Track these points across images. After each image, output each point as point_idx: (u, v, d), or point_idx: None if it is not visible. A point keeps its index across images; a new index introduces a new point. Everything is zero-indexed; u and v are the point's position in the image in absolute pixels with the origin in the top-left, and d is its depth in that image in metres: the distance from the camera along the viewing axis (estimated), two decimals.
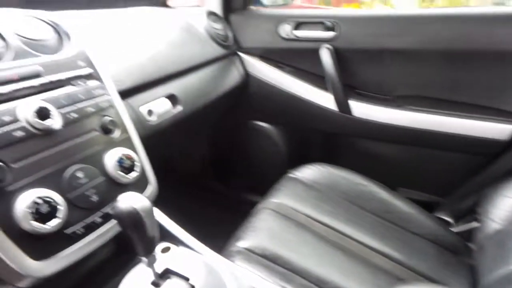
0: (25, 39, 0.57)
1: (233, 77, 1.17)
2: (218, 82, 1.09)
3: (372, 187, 1.01)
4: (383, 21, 1.09)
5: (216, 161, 1.43)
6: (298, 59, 1.20)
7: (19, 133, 0.48)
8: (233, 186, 1.42)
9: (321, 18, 1.12)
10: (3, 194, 0.45)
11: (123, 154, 0.59)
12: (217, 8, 1.23)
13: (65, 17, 0.66)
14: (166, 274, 0.55)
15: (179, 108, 0.87)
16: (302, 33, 1.15)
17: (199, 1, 1.38)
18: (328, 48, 1.10)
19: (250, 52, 1.24)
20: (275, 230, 0.84)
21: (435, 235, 0.91)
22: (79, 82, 0.59)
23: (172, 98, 0.86)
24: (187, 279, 0.55)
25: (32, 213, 0.45)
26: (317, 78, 1.18)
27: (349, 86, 1.15)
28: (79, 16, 0.84)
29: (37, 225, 0.45)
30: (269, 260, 0.75)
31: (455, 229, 0.99)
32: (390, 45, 1.07)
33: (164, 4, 1.27)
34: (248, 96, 1.25)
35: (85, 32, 0.67)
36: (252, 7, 1.28)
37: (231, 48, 1.19)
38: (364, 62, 1.13)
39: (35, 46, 0.57)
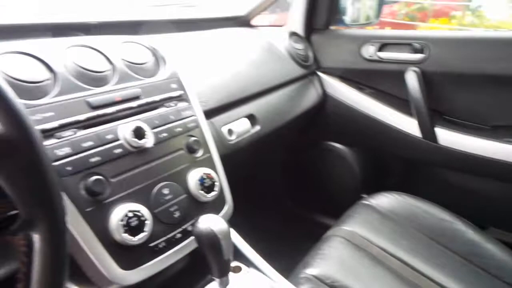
0: (128, 63, 0.63)
1: (311, 96, 1.17)
2: (296, 102, 1.10)
3: (458, 224, 0.92)
4: (481, 44, 1.00)
5: (289, 180, 1.42)
6: (381, 81, 1.16)
7: (118, 151, 0.53)
8: (304, 206, 1.40)
9: (409, 39, 1.07)
10: (102, 207, 0.49)
11: (205, 173, 0.62)
12: (299, 28, 1.24)
13: (160, 41, 0.72)
14: None
15: (257, 127, 0.89)
16: (387, 54, 1.10)
17: (282, 20, 1.40)
18: (415, 71, 1.05)
19: (329, 72, 1.22)
20: (346, 260, 0.81)
21: None
22: (171, 104, 0.64)
23: (251, 118, 0.89)
24: None
25: (124, 225, 0.49)
26: (400, 102, 1.12)
27: (436, 111, 1.08)
28: (169, 39, 0.91)
29: (127, 237, 0.49)
30: None
31: None
32: (488, 70, 0.98)
33: (248, 24, 1.31)
34: (325, 117, 1.23)
35: (175, 54, 0.72)
36: (334, 27, 1.27)
37: (310, 68, 1.19)
38: (455, 87, 1.05)
39: (136, 70, 0.63)
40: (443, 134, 1.05)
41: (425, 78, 1.05)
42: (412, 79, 1.05)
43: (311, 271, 0.77)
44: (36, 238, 0.27)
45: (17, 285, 0.27)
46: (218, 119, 0.78)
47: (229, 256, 0.51)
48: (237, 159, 0.83)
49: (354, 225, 0.91)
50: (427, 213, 0.96)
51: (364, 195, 1.04)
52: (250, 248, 0.68)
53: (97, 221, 0.49)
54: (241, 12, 1.26)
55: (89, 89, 0.55)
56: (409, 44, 1.07)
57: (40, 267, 0.27)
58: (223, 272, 0.52)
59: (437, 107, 1.07)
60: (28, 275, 0.26)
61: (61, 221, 0.28)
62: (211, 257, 0.50)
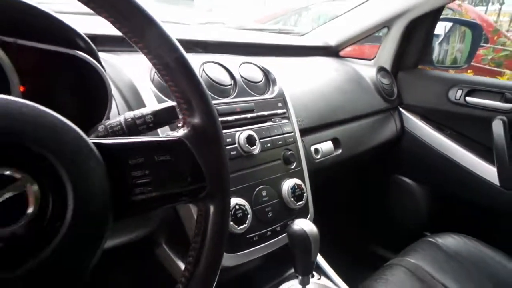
0: (245, 80, 0.73)
1: (390, 130, 1.20)
2: (376, 132, 1.14)
3: None
4: None
5: (356, 208, 1.44)
6: (463, 125, 1.15)
7: (233, 153, 0.62)
8: (367, 236, 1.41)
9: (501, 88, 1.06)
10: None
11: (296, 184, 0.69)
12: (387, 64, 1.28)
13: (266, 63, 0.81)
14: None
15: (339, 151, 0.95)
16: (475, 100, 1.10)
17: (368, 54, 1.45)
18: (502, 120, 1.04)
19: (411, 109, 1.24)
20: (416, 278, 0.83)
21: None
22: (276, 119, 0.72)
23: (335, 141, 0.95)
24: None
25: (231, 215, 0.58)
26: (481, 148, 1.11)
27: None
28: (272, 62, 1.00)
29: (233, 226, 0.58)
30: None
31: None
32: None
33: (337, 55, 1.38)
34: (400, 151, 1.25)
35: (280, 77, 0.81)
36: (422, 67, 1.29)
37: (393, 103, 1.22)
38: None
39: (251, 87, 0.73)
40: None
41: None
42: (498, 128, 1.04)
43: None
44: (211, 208, 0.36)
45: (192, 244, 0.36)
46: (308, 138, 0.86)
47: (315, 258, 0.57)
48: (318, 177, 0.89)
49: (418, 258, 0.92)
50: (493, 260, 0.93)
51: (427, 233, 1.04)
52: (322, 258, 0.74)
53: None
54: (331, 42, 1.33)
55: (217, 99, 0.65)
56: (500, 93, 1.06)
57: (212, 231, 0.35)
58: (307, 271, 0.58)
59: None
60: (203, 236, 0.35)
61: (228, 200, 0.37)
62: (299, 256, 0.57)
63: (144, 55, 0.34)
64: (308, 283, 0.60)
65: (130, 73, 0.58)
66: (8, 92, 0.42)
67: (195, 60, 0.68)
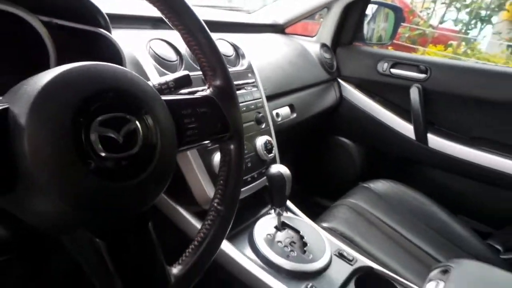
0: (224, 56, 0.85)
1: (331, 98, 1.40)
2: (320, 100, 1.33)
3: (435, 208, 1.17)
4: (474, 73, 1.24)
5: (305, 163, 1.65)
6: (389, 92, 1.40)
7: None
8: (309, 189, 1.63)
9: (417, 61, 1.31)
10: (209, 151, 0.72)
11: (267, 140, 0.85)
12: (328, 41, 1.47)
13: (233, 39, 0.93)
14: (284, 226, 0.80)
15: (294, 115, 1.12)
16: (397, 71, 1.35)
17: (310, 31, 1.63)
18: (418, 88, 1.29)
19: (348, 79, 1.46)
20: (351, 221, 1.04)
21: (485, 258, 1.05)
22: (247, 88, 0.86)
23: (291, 107, 1.11)
24: (298, 232, 0.79)
25: None
26: (401, 110, 1.37)
27: (430, 121, 1.32)
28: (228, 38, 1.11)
29: None
30: (347, 239, 0.95)
31: (503, 256, 1.11)
32: (476, 94, 1.22)
33: (283, 32, 1.53)
34: (340, 115, 1.47)
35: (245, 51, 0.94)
36: (357, 43, 1.51)
37: (333, 75, 1.42)
38: (447, 104, 1.30)
39: (227, 60, 0.85)
40: (432, 139, 1.29)
41: (425, 94, 1.30)
42: (414, 94, 1.29)
43: (325, 224, 1.00)
44: (232, 147, 0.49)
45: (220, 177, 0.49)
46: (270, 104, 1.01)
47: (288, 192, 0.74)
48: (278, 137, 1.06)
49: (356, 199, 1.14)
50: (413, 198, 1.20)
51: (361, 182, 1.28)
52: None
53: (206, 159, 0.71)
54: (279, 20, 1.48)
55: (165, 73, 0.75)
56: (417, 66, 1.31)
57: (234, 165, 0.49)
58: (283, 203, 0.75)
59: (431, 117, 1.32)
60: (228, 167, 0.49)
61: (243, 141, 0.51)
62: (276, 192, 0.73)
63: (181, 34, 0.46)
64: (282, 214, 0.77)
65: (131, 48, 0.67)
66: (48, 67, 0.50)
67: (143, 37, 0.72)
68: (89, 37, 0.54)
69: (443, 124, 1.32)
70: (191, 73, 0.51)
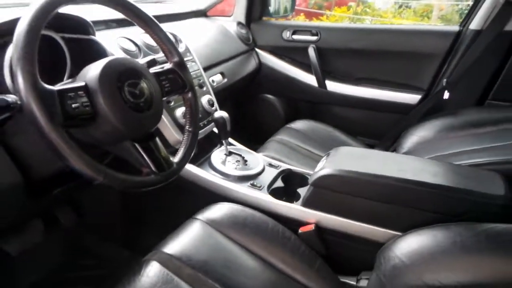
0: (148, 45, 1.15)
1: (252, 64, 1.79)
2: (243, 66, 1.70)
3: (339, 134, 1.62)
4: (349, 31, 1.70)
5: (238, 118, 2.02)
6: (294, 54, 1.81)
7: None
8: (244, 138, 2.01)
9: (309, 28, 1.73)
10: (173, 107, 1.06)
11: (209, 98, 1.21)
12: (242, 19, 1.83)
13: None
14: (230, 153, 1.17)
15: (225, 80, 1.49)
16: (297, 37, 1.76)
17: (228, 11, 1.97)
18: (313, 47, 1.72)
19: (263, 48, 1.84)
20: (278, 149, 1.43)
21: None
22: (188, 63, 1.20)
23: (222, 74, 1.47)
24: (240, 155, 1.17)
25: (182, 117, 1.06)
26: (306, 66, 1.79)
27: (326, 71, 1.77)
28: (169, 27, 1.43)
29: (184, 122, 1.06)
30: (274, 159, 1.36)
31: None
32: (352, 46, 1.68)
33: (205, 15, 1.86)
34: (261, 77, 1.86)
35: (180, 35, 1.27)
36: (265, 18, 1.88)
37: (251, 46, 1.80)
38: (336, 57, 1.74)
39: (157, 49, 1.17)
40: (330, 84, 1.74)
41: (319, 51, 1.73)
42: (311, 52, 1.72)
43: (263, 153, 1.39)
44: (190, 96, 0.84)
45: (187, 114, 0.84)
46: (207, 73, 1.36)
47: (229, 128, 1.11)
48: (216, 97, 1.41)
49: (284, 136, 1.54)
50: (323, 129, 1.63)
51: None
52: None
53: (171, 114, 1.05)
54: (201, 6, 1.80)
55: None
56: (310, 31, 1.73)
57: (194, 106, 0.84)
58: (227, 136, 1.12)
59: (326, 68, 1.76)
60: (191, 109, 0.84)
61: (196, 93, 0.86)
62: (221, 128, 1.10)
63: (145, 31, 0.78)
64: (228, 144, 1.15)
65: (108, 47, 0.97)
66: (64, 73, 0.80)
67: (112, 37, 1.03)
68: (86, 43, 0.85)
69: (335, 72, 1.78)
70: (151, 56, 0.85)
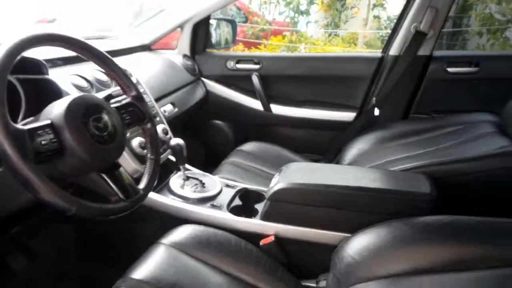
0: (100, 80, 1.19)
1: (200, 92, 1.87)
2: (192, 95, 1.78)
3: (287, 152, 1.74)
4: (287, 59, 1.86)
5: (192, 143, 2.07)
6: (239, 81, 1.93)
7: None
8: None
9: (252, 57, 1.87)
10: (128, 138, 1.09)
11: (163, 127, 1.26)
12: (187, 51, 1.92)
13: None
14: (188, 177, 1.22)
15: (176, 109, 1.54)
16: (241, 66, 1.88)
17: (171, 45, 2.05)
18: (257, 75, 1.85)
19: (208, 77, 1.94)
20: (232, 171, 1.50)
21: None
22: None
23: (173, 104, 1.53)
24: (197, 178, 1.22)
25: (139, 147, 1.10)
26: (251, 92, 1.91)
27: (270, 96, 1.90)
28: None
29: (142, 152, 1.10)
30: (229, 180, 1.42)
31: None
32: (291, 73, 1.84)
33: (150, 49, 1.91)
34: (209, 105, 1.94)
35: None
36: (208, 50, 1.99)
37: (197, 76, 1.88)
38: (278, 82, 1.89)
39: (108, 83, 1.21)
40: (274, 107, 1.88)
41: (262, 78, 1.86)
42: (255, 79, 1.85)
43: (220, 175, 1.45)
44: (149, 126, 0.89)
45: (147, 143, 0.88)
46: (158, 104, 1.41)
47: (185, 154, 1.16)
48: (169, 126, 1.46)
49: (234, 157, 1.63)
50: (271, 149, 1.74)
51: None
52: None
53: (129, 145, 1.08)
54: (146, 41, 1.86)
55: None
56: (252, 60, 1.87)
57: (153, 135, 0.89)
58: (184, 162, 1.17)
59: (270, 93, 1.89)
60: (151, 138, 0.88)
61: (154, 123, 0.91)
62: (179, 155, 1.15)
63: (101, 67, 0.83)
64: (185, 170, 1.20)
65: (62, 84, 0.99)
66: (19, 111, 0.81)
67: (64, 74, 1.05)
68: (41, 82, 0.87)
69: (278, 96, 1.91)
70: (107, 91, 0.89)
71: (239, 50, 3.62)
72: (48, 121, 0.65)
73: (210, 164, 1.99)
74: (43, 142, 0.61)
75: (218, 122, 2.00)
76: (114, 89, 1.12)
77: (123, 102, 0.86)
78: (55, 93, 0.89)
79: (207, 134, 2.02)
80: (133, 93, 0.88)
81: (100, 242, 1.27)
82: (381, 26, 4.58)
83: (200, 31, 1.91)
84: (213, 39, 2.02)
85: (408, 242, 0.92)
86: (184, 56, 1.87)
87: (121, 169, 0.77)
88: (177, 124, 1.54)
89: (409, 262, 0.87)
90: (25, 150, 0.57)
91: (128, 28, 2.11)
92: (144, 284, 0.84)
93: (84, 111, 0.69)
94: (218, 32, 2.11)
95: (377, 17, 4.66)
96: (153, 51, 1.89)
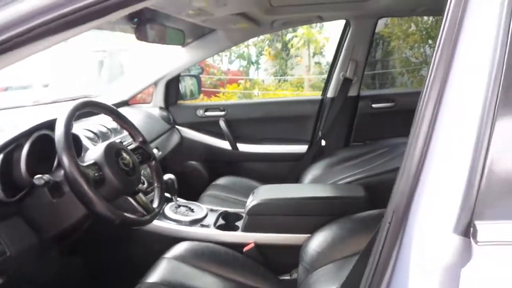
0: (107, 129, 1.47)
1: (176, 138, 2.15)
2: (170, 141, 2.05)
3: (253, 182, 2.04)
4: (247, 106, 2.23)
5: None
6: (208, 126, 2.24)
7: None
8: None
9: (217, 106, 2.21)
10: None
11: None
12: (161, 104, 2.22)
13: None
14: (179, 205, 1.48)
15: (160, 153, 1.81)
16: (209, 113, 2.21)
17: (146, 99, 2.34)
18: (223, 120, 2.18)
19: (181, 125, 2.24)
20: (212, 201, 1.78)
21: None
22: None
23: (157, 149, 1.80)
24: (189, 207, 1.49)
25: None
26: (219, 135, 2.23)
27: (235, 136, 2.23)
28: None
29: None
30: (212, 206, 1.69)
31: None
32: (251, 116, 2.20)
33: (128, 104, 2.19)
34: (184, 148, 2.22)
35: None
36: (180, 101, 2.31)
37: (172, 124, 2.18)
38: (241, 125, 2.23)
39: (113, 131, 1.48)
40: (241, 146, 2.20)
41: (228, 122, 2.19)
42: (222, 124, 2.17)
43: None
44: (154, 164, 1.16)
45: (153, 177, 1.14)
46: None
47: (176, 186, 1.43)
48: None
49: (212, 190, 1.90)
50: (241, 181, 2.04)
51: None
52: None
53: None
54: (124, 97, 2.14)
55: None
56: (218, 108, 2.21)
57: (158, 170, 1.16)
58: (176, 192, 1.43)
59: (235, 134, 2.22)
60: (157, 173, 1.16)
61: (157, 161, 1.18)
62: (171, 187, 1.41)
63: (113, 119, 1.12)
64: (177, 200, 1.46)
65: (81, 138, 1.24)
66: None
67: (77, 129, 1.32)
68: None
69: (243, 136, 2.25)
70: (117, 138, 1.17)
71: (199, 98, 3.98)
72: (92, 161, 0.91)
73: (189, 198, 2.24)
74: (95, 175, 0.88)
75: (193, 162, 2.27)
76: (117, 137, 1.39)
77: (133, 146, 1.13)
78: (80, 145, 1.15)
79: (185, 172, 2.28)
80: (140, 139, 1.16)
81: (102, 268, 1.46)
82: (322, 70, 5.21)
83: (172, 86, 2.23)
84: (182, 92, 2.35)
85: (352, 233, 1.24)
86: (160, 108, 2.16)
87: (140, 194, 1.04)
88: (162, 164, 1.80)
89: (354, 246, 1.18)
90: (88, 180, 0.83)
91: (103, 88, 2.40)
92: (158, 285, 1.08)
93: (115, 152, 0.96)
94: (185, 86, 2.45)
95: (318, 63, 5.29)
96: (131, 106, 2.17)
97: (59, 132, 0.85)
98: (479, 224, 0.43)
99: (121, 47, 3.34)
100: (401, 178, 0.51)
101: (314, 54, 5.17)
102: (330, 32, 4.34)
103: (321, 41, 4.67)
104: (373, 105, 2.13)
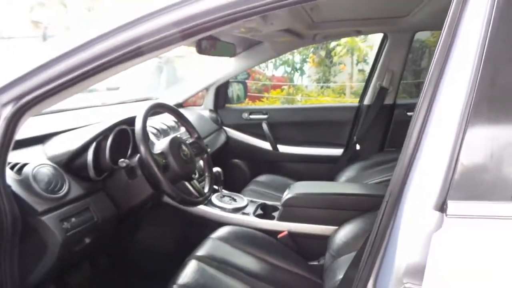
0: (167, 126, 1.71)
1: (223, 138, 2.38)
2: (217, 140, 2.28)
3: (290, 181, 2.20)
4: (289, 110, 2.40)
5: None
6: (252, 128, 2.45)
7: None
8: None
9: (261, 110, 2.41)
10: None
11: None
12: (211, 107, 2.46)
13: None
14: (224, 195, 1.69)
15: (209, 149, 2.03)
16: (253, 116, 2.42)
17: (198, 103, 2.60)
18: (265, 123, 2.37)
19: (228, 126, 2.46)
20: (253, 195, 1.98)
21: None
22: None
23: (207, 145, 2.03)
24: (232, 197, 1.69)
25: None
26: (262, 136, 2.42)
27: (276, 138, 2.41)
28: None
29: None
30: (253, 198, 1.88)
31: None
32: (292, 120, 2.37)
33: (182, 106, 2.46)
34: (229, 147, 2.44)
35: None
36: (228, 105, 2.54)
37: (220, 125, 2.41)
38: (282, 128, 2.41)
39: (172, 128, 1.72)
40: (281, 147, 2.38)
41: (270, 125, 2.38)
42: (265, 126, 2.36)
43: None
44: (206, 157, 1.38)
45: (205, 168, 1.36)
46: None
47: (222, 178, 1.63)
48: None
49: (253, 186, 2.09)
50: (281, 180, 2.21)
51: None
52: None
53: None
54: (179, 100, 2.41)
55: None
56: (261, 111, 2.41)
57: (209, 162, 1.38)
58: (221, 183, 1.64)
59: (276, 136, 2.40)
60: (208, 165, 1.37)
61: (209, 155, 1.40)
62: (218, 179, 1.62)
63: (176, 118, 1.34)
64: (222, 190, 1.66)
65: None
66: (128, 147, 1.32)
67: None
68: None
69: (283, 138, 2.43)
70: (174, 134, 1.39)
71: (245, 102, 4.22)
72: (160, 151, 1.14)
73: (232, 191, 2.46)
74: (163, 161, 1.10)
75: (237, 160, 2.49)
76: (175, 134, 1.63)
77: (190, 140, 1.35)
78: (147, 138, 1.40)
79: (229, 169, 2.50)
80: (196, 135, 1.38)
81: (166, 242, 1.69)
82: (365, 77, 5.24)
83: (221, 91, 2.47)
84: (230, 97, 2.58)
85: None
86: (210, 110, 2.41)
87: (195, 180, 1.25)
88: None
89: None
90: (158, 165, 1.06)
91: (161, 91, 2.70)
92: (205, 258, 1.28)
93: (177, 145, 1.18)
94: (233, 91, 2.68)
95: (361, 71, 5.33)
96: (185, 107, 2.43)
97: (138, 127, 1.08)
98: (450, 203, 0.58)
99: (178, 54, 3.69)
100: (398, 167, 0.66)
101: (358, 61, 5.22)
102: (374, 41, 4.39)
103: (365, 49, 4.73)
104: (408, 113, 2.21)
